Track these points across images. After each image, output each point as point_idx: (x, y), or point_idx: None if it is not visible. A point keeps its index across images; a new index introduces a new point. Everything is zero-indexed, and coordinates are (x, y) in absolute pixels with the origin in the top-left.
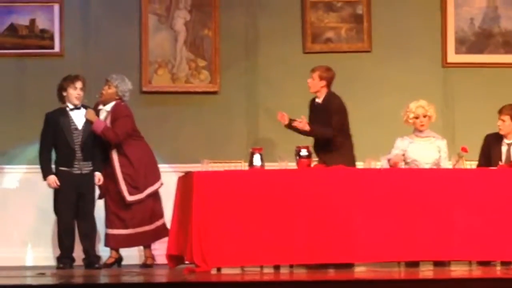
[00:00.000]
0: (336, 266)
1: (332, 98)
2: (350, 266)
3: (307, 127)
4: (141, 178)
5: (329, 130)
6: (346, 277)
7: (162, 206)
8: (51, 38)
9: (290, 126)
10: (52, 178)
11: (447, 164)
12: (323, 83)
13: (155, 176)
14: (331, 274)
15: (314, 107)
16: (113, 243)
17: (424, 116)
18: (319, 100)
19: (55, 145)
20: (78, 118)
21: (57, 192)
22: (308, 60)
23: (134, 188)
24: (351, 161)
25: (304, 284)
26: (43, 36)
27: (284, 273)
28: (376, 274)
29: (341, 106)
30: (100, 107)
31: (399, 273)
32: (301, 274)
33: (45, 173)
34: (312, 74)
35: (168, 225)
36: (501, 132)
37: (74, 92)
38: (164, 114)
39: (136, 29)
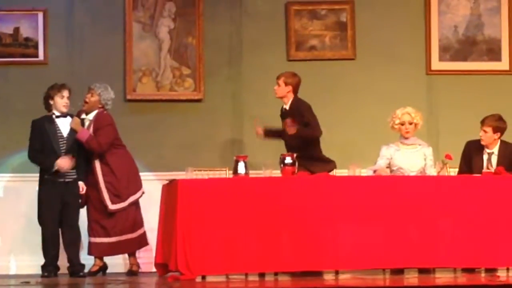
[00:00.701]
0: (321, 273)
1: (299, 103)
2: (335, 273)
3: (293, 130)
4: (123, 187)
5: (311, 129)
6: (331, 285)
7: (141, 214)
8: (35, 46)
9: (267, 134)
10: (64, 159)
11: (432, 171)
12: (289, 88)
13: (137, 184)
14: (316, 282)
15: (282, 114)
16: (96, 251)
17: (410, 123)
18: (286, 106)
19: (41, 152)
20: (64, 126)
21: (42, 201)
22: (292, 67)
23: (116, 197)
24: (329, 166)
25: None
26: (27, 45)
27: (269, 281)
28: (361, 281)
29: (309, 106)
30: (83, 116)
31: (384, 280)
32: (285, 281)
33: (50, 163)
34: (278, 80)
35: (154, 234)
36: (483, 143)
37: (61, 101)
38: (149, 122)
39: (120, 37)
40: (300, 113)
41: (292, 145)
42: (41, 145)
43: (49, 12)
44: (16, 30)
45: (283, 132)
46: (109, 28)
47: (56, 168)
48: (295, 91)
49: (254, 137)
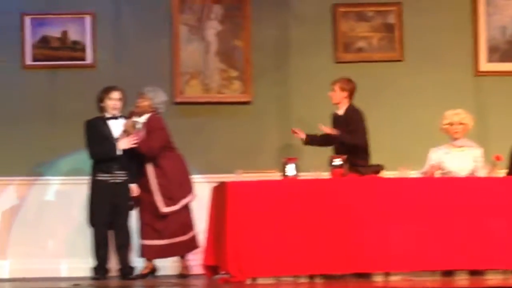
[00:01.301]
0: (370, 275)
1: (354, 111)
2: (385, 275)
3: (334, 131)
4: (176, 189)
5: (356, 137)
6: (380, 286)
7: (193, 217)
8: (83, 49)
9: (308, 141)
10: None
11: (482, 173)
12: (345, 94)
13: (189, 187)
14: (366, 284)
15: (335, 119)
16: (148, 254)
17: (459, 124)
18: (340, 112)
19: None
20: (115, 127)
21: (92, 203)
22: (340, 69)
23: (169, 199)
24: (376, 169)
25: None
26: (75, 48)
27: (319, 283)
28: (411, 283)
29: (360, 114)
30: (135, 118)
31: (434, 282)
32: (336, 283)
33: (112, 147)
34: (334, 86)
35: (203, 236)
36: None
37: (111, 103)
38: (197, 125)
39: (167, 40)
40: (352, 121)
41: (340, 151)
42: (99, 141)
43: (97, 16)
44: (64, 33)
45: (327, 137)
46: (156, 31)
47: (120, 149)
48: (351, 97)
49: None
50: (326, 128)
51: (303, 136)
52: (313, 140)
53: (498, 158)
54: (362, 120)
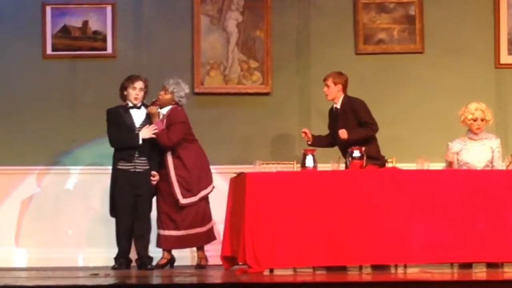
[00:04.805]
0: (388, 267)
1: (351, 100)
2: (403, 267)
3: (345, 136)
4: (195, 181)
5: (366, 129)
6: (399, 278)
7: (210, 209)
8: (104, 39)
9: (314, 143)
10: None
11: (500, 163)
12: (339, 87)
13: (208, 179)
14: (384, 275)
15: (333, 113)
16: (165, 244)
17: (482, 120)
18: (337, 106)
19: (121, 134)
20: (137, 116)
21: (115, 193)
22: (360, 61)
23: (188, 191)
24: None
25: (358, 285)
26: (95, 38)
27: (337, 274)
28: (429, 275)
29: (363, 103)
30: (157, 108)
31: (452, 274)
32: (353, 275)
33: (134, 136)
34: (326, 82)
35: (221, 227)
36: None
37: (133, 92)
38: (216, 116)
39: (188, 31)
40: (354, 112)
41: (346, 145)
42: (120, 129)
43: (118, 5)
44: (85, 23)
45: (334, 137)
46: (177, 21)
47: (141, 138)
48: (345, 89)
49: (322, 130)
50: (342, 133)
51: (310, 136)
52: (319, 141)
53: None
54: (367, 107)
